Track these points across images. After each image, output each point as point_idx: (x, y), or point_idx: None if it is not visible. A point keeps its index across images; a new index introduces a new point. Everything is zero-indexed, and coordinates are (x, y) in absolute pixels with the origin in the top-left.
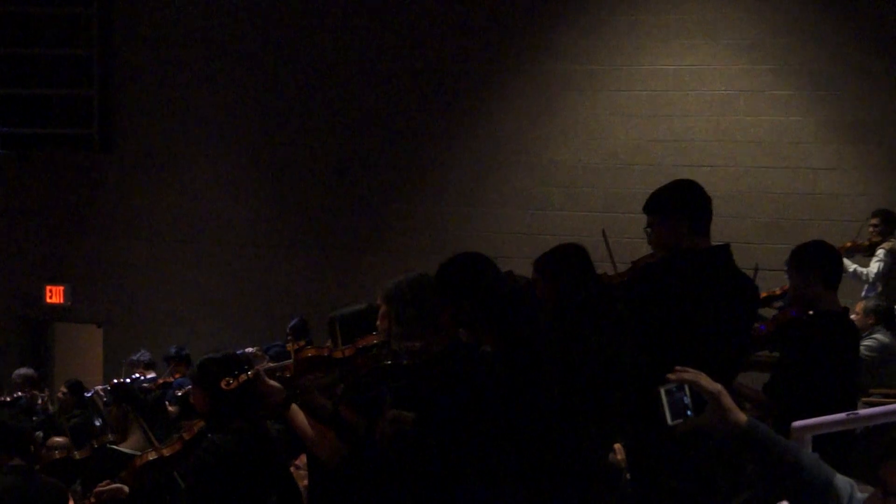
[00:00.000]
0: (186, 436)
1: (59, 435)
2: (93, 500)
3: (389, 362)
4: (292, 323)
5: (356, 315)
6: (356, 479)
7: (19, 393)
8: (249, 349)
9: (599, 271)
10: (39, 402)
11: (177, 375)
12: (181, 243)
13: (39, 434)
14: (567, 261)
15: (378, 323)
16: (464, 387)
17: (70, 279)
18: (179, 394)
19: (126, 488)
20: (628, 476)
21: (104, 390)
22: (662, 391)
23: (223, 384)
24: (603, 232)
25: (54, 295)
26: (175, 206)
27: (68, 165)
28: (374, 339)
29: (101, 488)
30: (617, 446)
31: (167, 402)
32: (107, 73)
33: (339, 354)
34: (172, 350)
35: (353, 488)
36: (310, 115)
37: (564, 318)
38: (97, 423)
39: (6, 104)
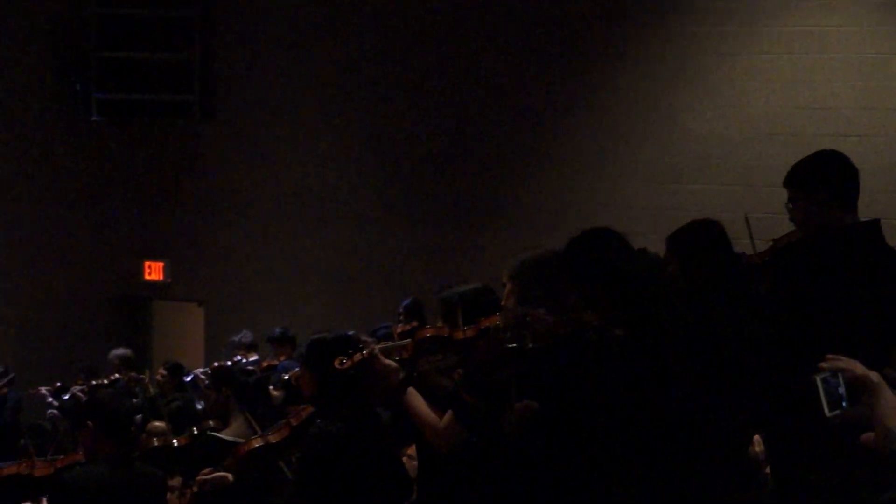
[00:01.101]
0: (294, 422)
1: (159, 419)
2: (195, 488)
3: (514, 345)
4: (405, 303)
5: (474, 294)
6: (474, 469)
7: (117, 375)
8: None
9: (738, 250)
10: (140, 384)
11: (281, 358)
12: (286, 217)
13: (138, 418)
14: (702, 238)
15: (503, 303)
16: (592, 372)
17: (170, 254)
18: (286, 377)
19: (230, 476)
20: (768, 469)
21: (205, 374)
22: (818, 380)
23: (336, 363)
24: (746, 218)
25: (153, 271)
26: (280, 178)
27: (167, 134)
28: (497, 320)
29: (203, 476)
30: (756, 437)
31: (271, 387)
32: (208, 35)
33: (459, 335)
34: (277, 331)
35: (468, 479)
36: (424, 82)
37: (699, 301)
38: (199, 407)
39: (102, 69)
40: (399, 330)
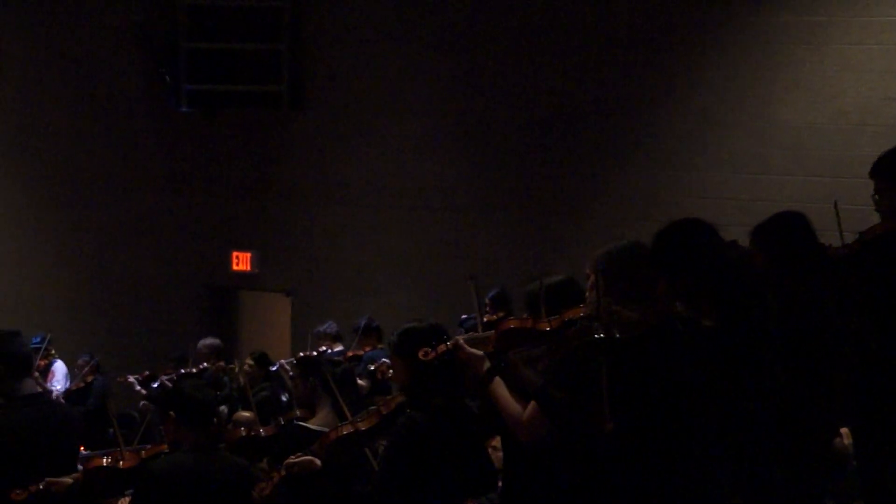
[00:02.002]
0: (384, 410)
1: (248, 409)
2: (283, 472)
3: (601, 335)
4: (491, 293)
5: (558, 286)
6: (558, 461)
7: (205, 364)
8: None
9: (824, 242)
10: (229, 374)
11: (367, 348)
12: (374, 207)
13: (224, 409)
14: (786, 231)
15: (586, 294)
16: (681, 363)
17: (257, 245)
18: (372, 368)
19: (318, 462)
20: (855, 463)
21: (290, 364)
22: None
23: (420, 354)
24: (835, 204)
25: (241, 262)
26: (368, 168)
27: (256, 124)
28: (580, 312)
29: (292, 461)
30: (843, 430)
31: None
32: (297, 25)
33: (544, 326)
34: (362, 321)
35: (553, 470)
36: (513, 72)
37: (786, 293)
38: (283, 399)
39: (192, 60)
40: (485, 320)
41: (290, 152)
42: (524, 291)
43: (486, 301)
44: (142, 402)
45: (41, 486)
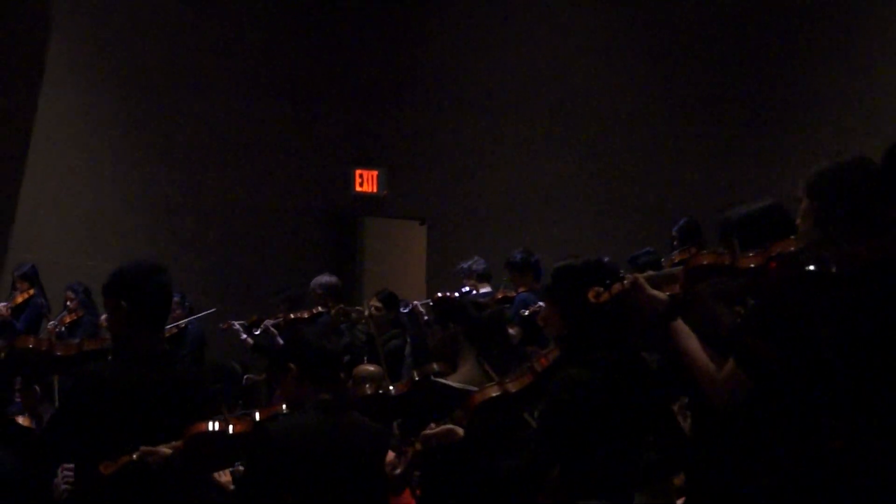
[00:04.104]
0: (538, 367)
1: (373, 360)
2: (418, 446)
3: (812, 268)
4: (679, 224)
5: (762, 213)
6: (759, 428)
7: (320, 308)
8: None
9: None
10: (352, 318)
11: (521, 289)
12: (528, 119)
13: (346, 359)
14: None
15: (798, 222)
16: None
17: (386, 162)
18: (526, 312)
19: (460, 431)
20: None
21: (426, 306)
22: None
23: (591, 295)
24: None
25: (365, 182)
26: (521, 70)
27: (385, 13)
28: (791, 245)
29: (430, 431)
30: None
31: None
32: None
33: (745, 263)
34: (517, 256)
35: (752, 440)
36: None
37: None
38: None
39: None
40: (674, 260)
41: (426, 50)
42: (719, 221)
43: (673, 234)
44: (245, 377)
45: (134, 457)
